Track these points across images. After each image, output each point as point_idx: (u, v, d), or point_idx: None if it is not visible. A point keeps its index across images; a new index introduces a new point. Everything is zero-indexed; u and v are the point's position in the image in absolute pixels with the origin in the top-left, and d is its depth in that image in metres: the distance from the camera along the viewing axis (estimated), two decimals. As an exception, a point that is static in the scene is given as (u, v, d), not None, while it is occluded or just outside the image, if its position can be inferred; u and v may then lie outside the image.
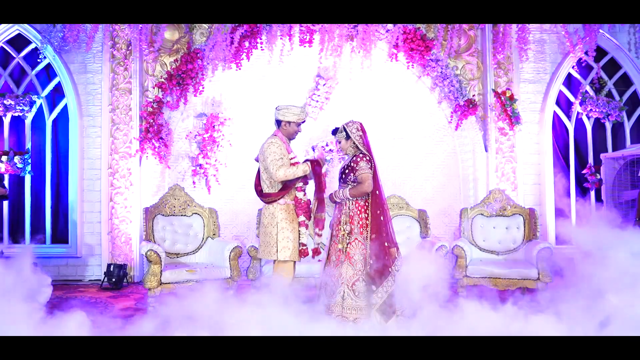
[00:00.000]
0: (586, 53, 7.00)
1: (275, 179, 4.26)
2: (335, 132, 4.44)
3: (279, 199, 4.34)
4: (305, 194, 4.43)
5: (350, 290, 4.17)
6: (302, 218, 4.36)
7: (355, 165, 4.27)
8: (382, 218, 4.28)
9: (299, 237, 4.36)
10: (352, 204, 4.29)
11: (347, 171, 4.32)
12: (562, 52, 7.19)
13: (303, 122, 4.49)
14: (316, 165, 4.32)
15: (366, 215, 4.26)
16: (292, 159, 4.35)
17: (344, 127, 4.38)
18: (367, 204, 4.28)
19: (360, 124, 4.41)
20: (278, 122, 4.44)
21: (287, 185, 4.34)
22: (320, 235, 4.36)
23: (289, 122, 4.40)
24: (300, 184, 4.40)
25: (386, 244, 4.26)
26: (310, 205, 4.41)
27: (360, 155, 4.31)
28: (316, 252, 4.36)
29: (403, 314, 4.21)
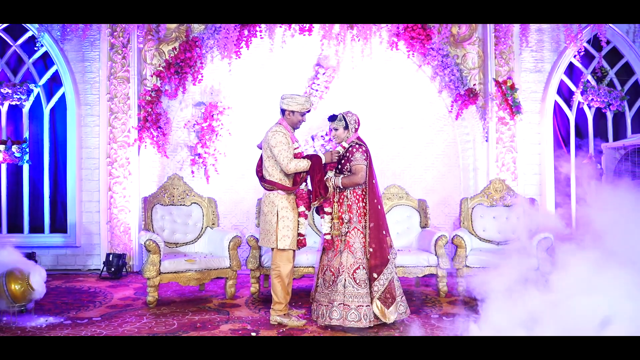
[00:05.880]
0: (588, 42, 6.92)
1: (287, 171, 4.27)
2: (332, 118, 4.41)
3: (280, 189, 4.34)
4: (306, 184, 4.43)
5: (352, 278, 4.18)
6: (302, 209, 4.37)
7: (350, 155, 4.28)
8: (379, 207, 4.32)
9: (298, 227, 4.37)
10: (350, 193, 4.30)
11: (342, 161, 4.33)
12: (564, 41, 7.13)
13: (307, 112, 4.46)
14: (315, 162, 4.31)
15: (364, 204, 4.27)
16: (295, 149, 4.35)
17: (343, 116, 4.36)
18: (364, 192, 4.29)
19: (357, 117, 4.45)
20: (282, 111, 4.42)
21: (296, 182, 4.35)
22: (329, 213, 4.32)
23: (293, 112, 4.37)
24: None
25: (384, 232, 4.28)
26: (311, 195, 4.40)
27: (356, 146, 4.31)
28: (329, 243, 4.32)
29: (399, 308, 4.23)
